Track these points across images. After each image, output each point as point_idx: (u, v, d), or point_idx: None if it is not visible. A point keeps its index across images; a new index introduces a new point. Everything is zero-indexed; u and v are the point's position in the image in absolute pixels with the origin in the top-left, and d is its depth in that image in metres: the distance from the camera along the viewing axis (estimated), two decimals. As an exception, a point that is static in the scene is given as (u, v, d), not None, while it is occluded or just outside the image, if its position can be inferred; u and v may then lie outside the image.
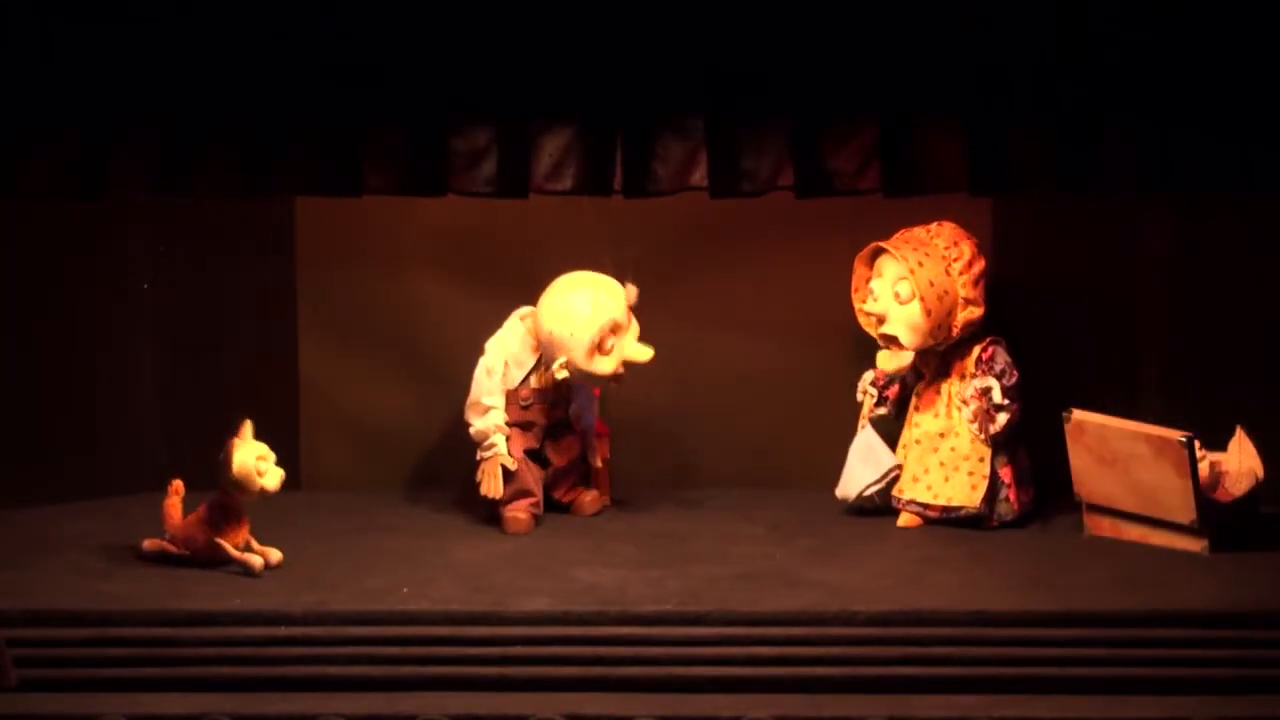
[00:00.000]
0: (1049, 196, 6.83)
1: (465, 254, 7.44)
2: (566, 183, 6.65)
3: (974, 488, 6.97)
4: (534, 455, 7.09)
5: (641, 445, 7.47)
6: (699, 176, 6.64)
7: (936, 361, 7.08)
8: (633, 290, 6.94)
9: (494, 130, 6.59)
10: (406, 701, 5.74)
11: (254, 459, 6.46)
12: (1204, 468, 6.64)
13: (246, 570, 6.44)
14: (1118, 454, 6.74)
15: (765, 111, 6.55)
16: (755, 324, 7.46)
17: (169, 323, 7.42)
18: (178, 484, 6.63)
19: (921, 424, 7.07)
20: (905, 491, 7.07)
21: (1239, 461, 6.73)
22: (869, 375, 7.17)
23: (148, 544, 6.63)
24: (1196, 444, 6.58)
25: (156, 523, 6.64)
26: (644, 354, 6.94)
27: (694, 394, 7.50)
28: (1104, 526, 6.90)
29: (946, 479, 7.00)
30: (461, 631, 6.05)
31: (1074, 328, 7.32)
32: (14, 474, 7.19)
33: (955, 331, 6.97)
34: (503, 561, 6.62)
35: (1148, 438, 6.66)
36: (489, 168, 6.63)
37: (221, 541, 6.46)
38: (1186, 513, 6.64)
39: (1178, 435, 6.58)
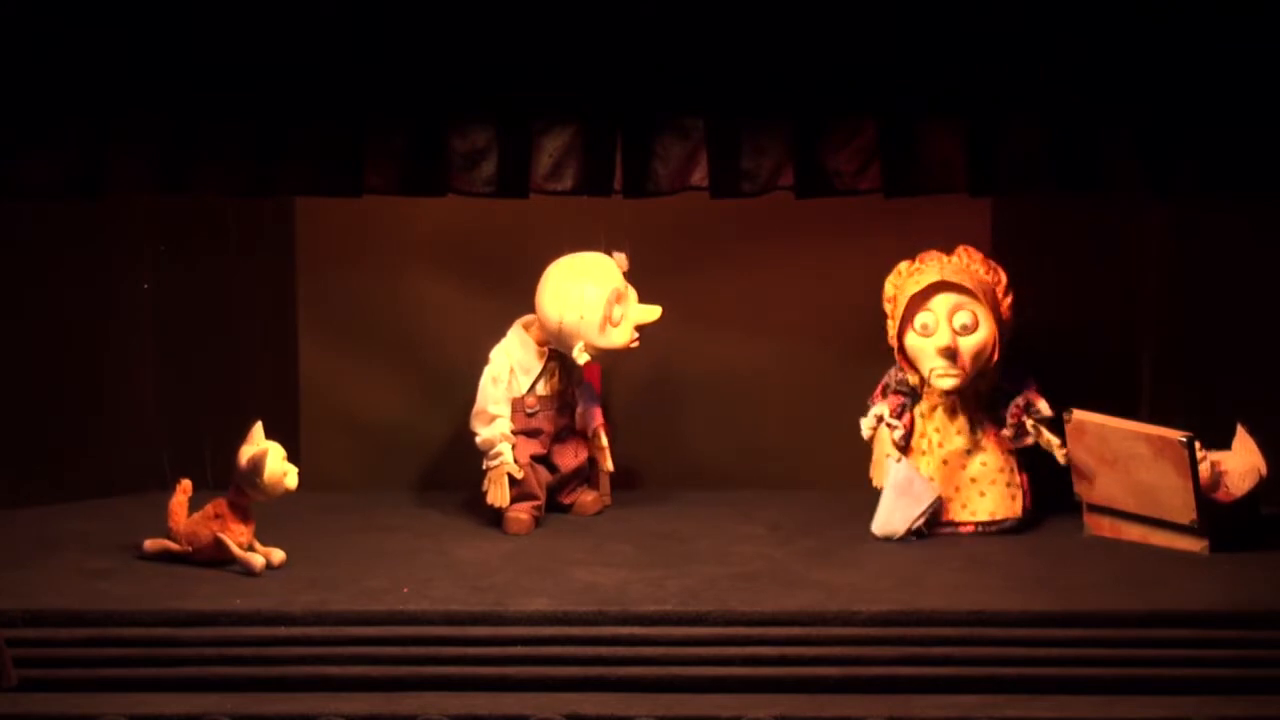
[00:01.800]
0: (1049, 196, 6.83)
1: (465, 254, 7.44)
2: (566, 183, 6.64)
3: (1013, 498, 6.93)
4: (541, 461, 7.10)
5: (642, 445, 7.47)
6: (699, 176, 6.63)
7: None
8: (622, 258, 6.99)
9: (494, 130, 6.59)
10: (406, 701, 5.74)
11: (281, 462, 6.46)
12: (1205, 468, 6.64)
13: (247, 569, 6.43)
14: (1118, 454, 6.73)
15: (765, 112, 6.55)
16: (755, 324, 7.46)
17: (169, 323, 7.42)
18: (186, 484, 6.63)
19: (946, 444, 6.96)
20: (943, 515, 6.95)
21: (1242, 459, 6.73)
22: (877, 410, 7.01)
23: (149, 544, 6.62)
24: (1197, 444, 6.58)
25: (157, 523, 6.64)
26: (652, 313, 7.01)
27: (694, 394, 7.50)
28: (1104, 526, 6.89)
29: (982, 494, 6.94)
30: (461, 631, 6.05)
31: (1074, 328, 7.31)
32: (14, 474, 7.19)
33: (995, 357, 6.89)
34: (503, 561, 6.62)
35: (1148, 438, 6.66)
36: (489, 168, 6.62)
37: (226, 538, 6.46)
38: (1186, 513, 6.63)
39: (1178, 435, 6.58)
